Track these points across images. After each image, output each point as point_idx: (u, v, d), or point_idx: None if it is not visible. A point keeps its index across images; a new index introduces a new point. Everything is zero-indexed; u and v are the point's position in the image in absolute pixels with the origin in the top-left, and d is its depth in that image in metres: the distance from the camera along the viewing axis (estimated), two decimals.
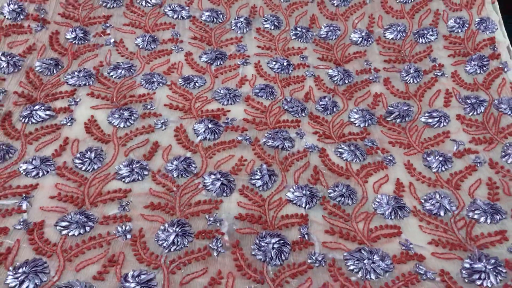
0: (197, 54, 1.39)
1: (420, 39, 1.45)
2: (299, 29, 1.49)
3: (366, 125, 1.24)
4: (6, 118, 1.13)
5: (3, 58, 1.23)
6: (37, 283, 0.82)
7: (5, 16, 1.32)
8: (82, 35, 1.36)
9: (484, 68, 1.35)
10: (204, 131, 1.15)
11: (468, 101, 1.28)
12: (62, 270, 0.85)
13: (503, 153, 1.16)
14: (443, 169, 1.13)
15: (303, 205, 1.02)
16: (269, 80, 1.33)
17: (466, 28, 1.45)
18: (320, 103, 1.28)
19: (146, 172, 1.05)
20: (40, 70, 1.25)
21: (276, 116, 1.23)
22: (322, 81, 1.36)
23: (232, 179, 1.06)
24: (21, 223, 0.91)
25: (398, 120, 1.25)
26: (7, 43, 1.29)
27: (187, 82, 1.28)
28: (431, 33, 1.45)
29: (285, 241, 0.93)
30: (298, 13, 1.54)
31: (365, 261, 0.91)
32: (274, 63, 1.38)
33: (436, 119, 1.24)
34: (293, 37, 1.48)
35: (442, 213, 1.04)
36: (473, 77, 1.35)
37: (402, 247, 0.96)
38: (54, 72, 1.26)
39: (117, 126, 1.15)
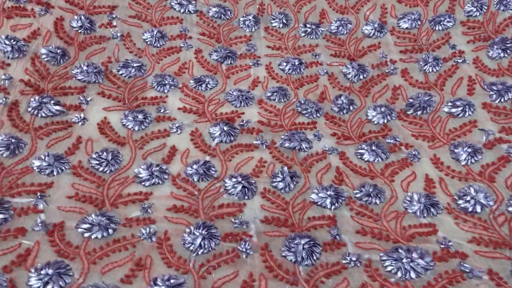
0: (206, 51, 1.35)
1: (437, 26, 1.40)
2: (308, 25, 1.45)
3: (386, 121, 1.19)
4: (13, 108, 1.07)
5: (7, 42, 1.17)
6: (62, 285, 0.78)
7: None
8: (88, 25, 1.31)
9: (508, 51, 1.27)
10: (220, 134, 1.12)
11: (494, 87, 1.21)
12: (86, 273, 0.81)
13: None
14: (472, 161, 1.07)
15: (328, 206, 0.98)
16: (281, 82, 1.30)
17: (485, 11, 1.39)
18: (336, 102, 1.24)
19: (166, 176, 1.02)
20: (46, 59, 1.20)
21: (291, 119, 1.20)
22: (336, 79, 1.32)
23: (253, 181, 1.02)
24: (40, 224, 0.87)
25: (419, 113, 1.20)
26: (9, 26, 1.22)
27: (199, 84, 1.25)
28: (448, 19, 1.40)
29: (315, 242, 0.90)
30: (306, 9, 1.50)
31: (403, 260, 0.87)
32: (285, 64, 1.34)
33: (461, 108, 1.18)
34: (303, 34, 1.43)
35: (478, 209, 0.97)
36: (496, 62, 1.28)
37: (440, 245, 0.91)
38: (61, 62, 1.21)
39: (132, 129, 1.11)
